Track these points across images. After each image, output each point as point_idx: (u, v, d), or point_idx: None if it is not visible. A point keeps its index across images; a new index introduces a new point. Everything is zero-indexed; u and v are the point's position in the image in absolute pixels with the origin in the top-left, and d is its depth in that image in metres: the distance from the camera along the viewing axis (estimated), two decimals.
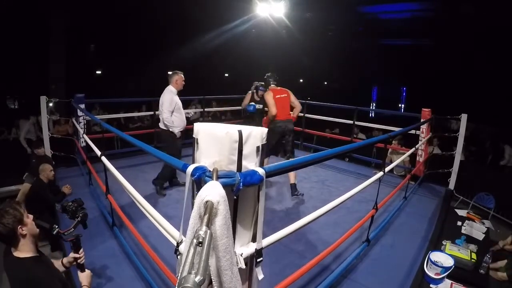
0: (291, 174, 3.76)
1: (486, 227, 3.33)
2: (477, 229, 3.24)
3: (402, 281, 2.38)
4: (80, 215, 1.74)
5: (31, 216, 1.49)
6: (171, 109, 3.59)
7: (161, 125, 3.72)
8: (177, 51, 10.99)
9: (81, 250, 1.68)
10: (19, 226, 1.40)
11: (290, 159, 3.67)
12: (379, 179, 2.56)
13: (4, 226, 1.36)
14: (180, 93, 3.83)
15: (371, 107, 14.26)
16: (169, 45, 11.12)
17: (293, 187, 3.74)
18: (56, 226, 1.65)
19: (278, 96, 3.71)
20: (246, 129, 1.10)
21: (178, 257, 1.26)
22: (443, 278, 2.36)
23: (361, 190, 2.29)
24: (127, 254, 2.46)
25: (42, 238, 2.68)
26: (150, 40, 11.07)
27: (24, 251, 1.42)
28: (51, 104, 5.14)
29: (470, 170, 4.87)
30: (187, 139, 4.29)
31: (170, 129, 3.64)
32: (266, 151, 3.40)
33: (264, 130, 1.16)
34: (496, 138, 7.07)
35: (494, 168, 6.33)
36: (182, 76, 3.71)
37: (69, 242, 1.66)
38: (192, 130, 1.22)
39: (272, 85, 3.81)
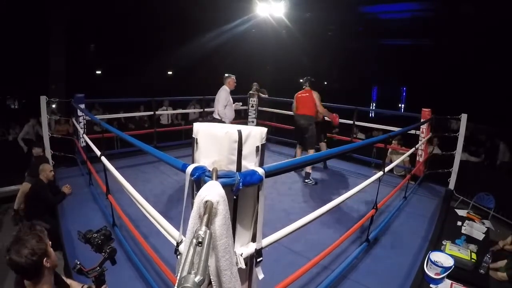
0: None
1: (486, 227, 3.33)
2: (477, 229, 3.24)
3: (402, 281, 2.37)
4: (108, 250, 1.41)
5: (49, 242, 1.27)
6: (225, 104, 4.38)
7: (215, 116, 4.44)
8: (177, 51, 11.00)
9: (104, 286, 1.41)
10: (45, 259, 1.16)
11: (305, 155, 4.12)
12: (379, 179, 2.56)
13: (26, 259, 1.10)
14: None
15: (371, 107, 14.23)
16: (169, 45, 11.13)
17: (307, 175, 4.25)
18: (78, 263, 1.35)
19: (299, 95, 4.44)
20: (246, 129, 1.10)
21: (178, 257, 1.26)
22: (443, 278, 2.36)
23: (361, 190, 2.29)
24: (127, 254, 2.46)
25: None
26: (150, 40, 11.07)
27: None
28: (53, 106, 5.11)
29: (470, 170, 4.87)
30: (187, 139, 4.30)
31: (222, 119, 4.41)
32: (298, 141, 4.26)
33: (264, 130, 1.16)
34: (495, 138, 7.06)
35: (493, 168, 6.33)
36: (234, 78, 4.52)
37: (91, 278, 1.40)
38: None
39: (304, 87, 4.47)
